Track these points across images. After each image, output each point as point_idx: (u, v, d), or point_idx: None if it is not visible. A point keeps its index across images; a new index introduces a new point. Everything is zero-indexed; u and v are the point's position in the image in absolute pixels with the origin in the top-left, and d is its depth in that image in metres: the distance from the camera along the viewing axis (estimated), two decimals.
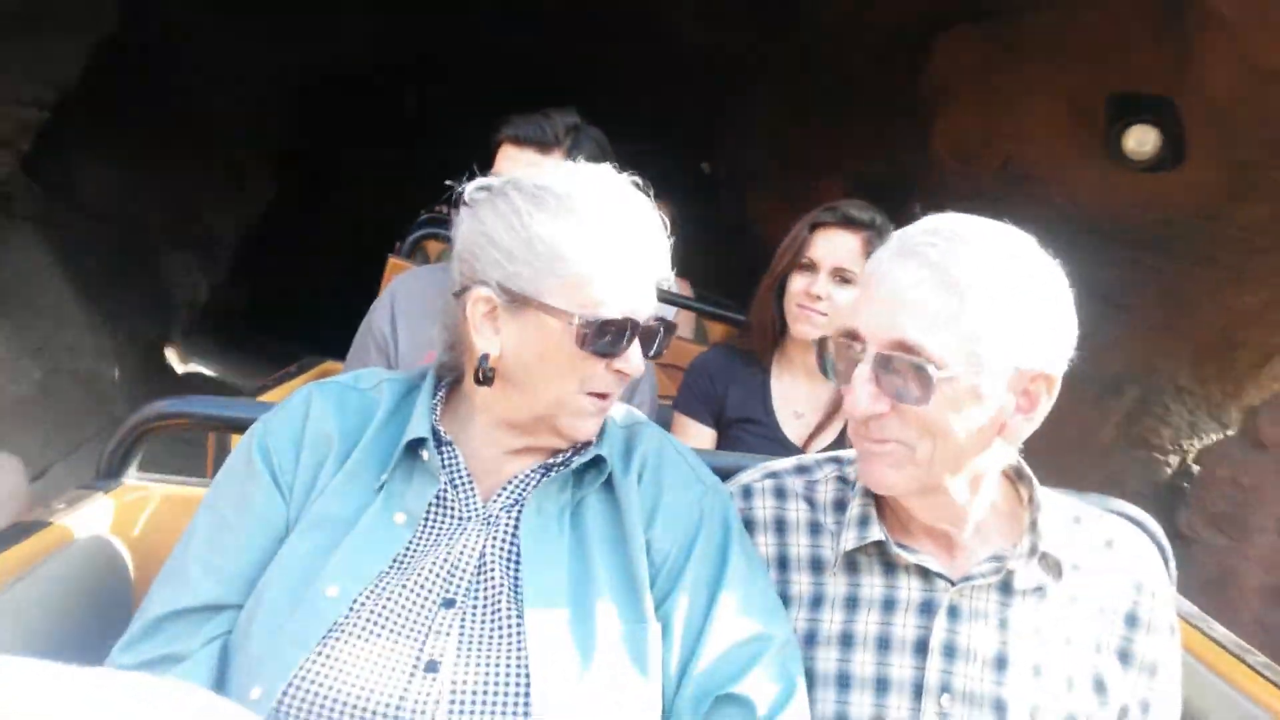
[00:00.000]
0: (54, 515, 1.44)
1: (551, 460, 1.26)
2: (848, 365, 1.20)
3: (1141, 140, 4.63)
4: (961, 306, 1.13)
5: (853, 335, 1.19)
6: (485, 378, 1.22)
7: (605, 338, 1.19)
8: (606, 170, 1.25)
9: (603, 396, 1.23)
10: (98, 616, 1.37)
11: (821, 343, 1.25)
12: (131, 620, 1.15)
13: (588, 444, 1.26)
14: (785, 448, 2.18)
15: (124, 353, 6.45)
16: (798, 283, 2.19)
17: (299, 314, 11.38)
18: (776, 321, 2.26)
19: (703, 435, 2.29)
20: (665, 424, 2.27)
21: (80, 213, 6.41)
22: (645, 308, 1.22)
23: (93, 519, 1.47)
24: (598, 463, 1.25)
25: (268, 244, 11.29)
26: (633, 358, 1.22)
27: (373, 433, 1.24)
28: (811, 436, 2.21)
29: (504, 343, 1.21)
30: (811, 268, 2.18)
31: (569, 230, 1.18)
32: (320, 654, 1.07)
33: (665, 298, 1.43)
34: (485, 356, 1.21)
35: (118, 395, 6.13)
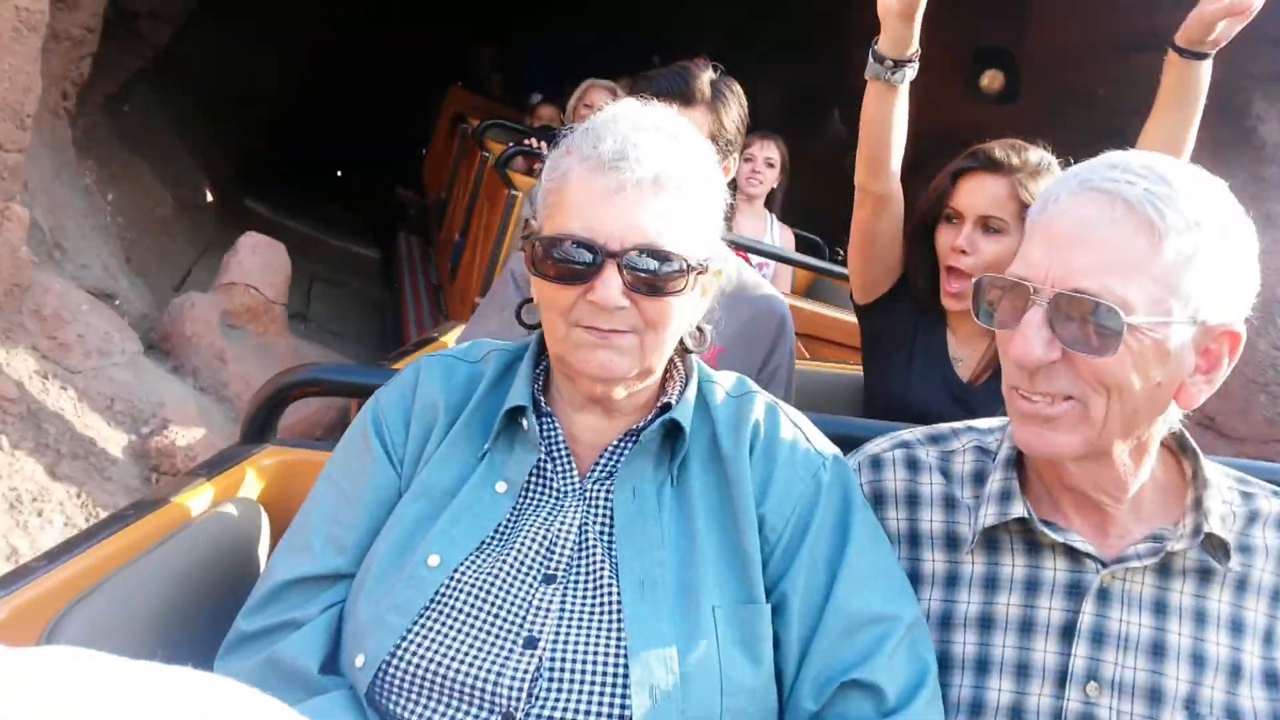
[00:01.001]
0: (199, 478, 1.50)
1: (634, 425, 1.23)
2: (1014, 309, 1.10)
3: (991, 80, 6.83)
4: (1156, 250, 1.04)
5: (1021, 277, 1.10)
6: (527, 323, 1.26)
7: (553, 259, 1.14)
8: (633, 102, 1.22)
9: (590, 328, 1.14)
10: (236, 576, 1.44)
11: (979, 285, 1.15)
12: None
13: (668, 406, 1.22)
14: (951, 386, 2.10)
15: (214, 186, 7.93)
16: (943, 237, 2.06)
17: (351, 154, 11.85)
18: (924, 274, 2.13)
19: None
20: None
21: (183, 77, 7.59)
22: (612, 231, 1.12)
23: (235, 482, 1.53)
24: (679, 431, 1.20)
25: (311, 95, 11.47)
26: (600, 286, 1.11)
27: (476, 402, 1.25)
28: (979, 375, 2.10)
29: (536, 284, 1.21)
30: (956, 219, 2.04)
31: (553, 155, 1.19)
32: (422, 625, 1.09)
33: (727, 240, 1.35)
34: (528, 300, 1.25)
35: (212, 220, 7.55)
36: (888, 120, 1.93)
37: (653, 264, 1.13)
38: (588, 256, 1.12)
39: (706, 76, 2.00)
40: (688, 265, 1.15)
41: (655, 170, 1.13)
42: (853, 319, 2.46)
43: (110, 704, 0.38)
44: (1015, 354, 1.08)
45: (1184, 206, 1.05)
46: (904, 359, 2.16)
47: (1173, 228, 1.04)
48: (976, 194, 2.01)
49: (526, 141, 4.94)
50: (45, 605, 1.15)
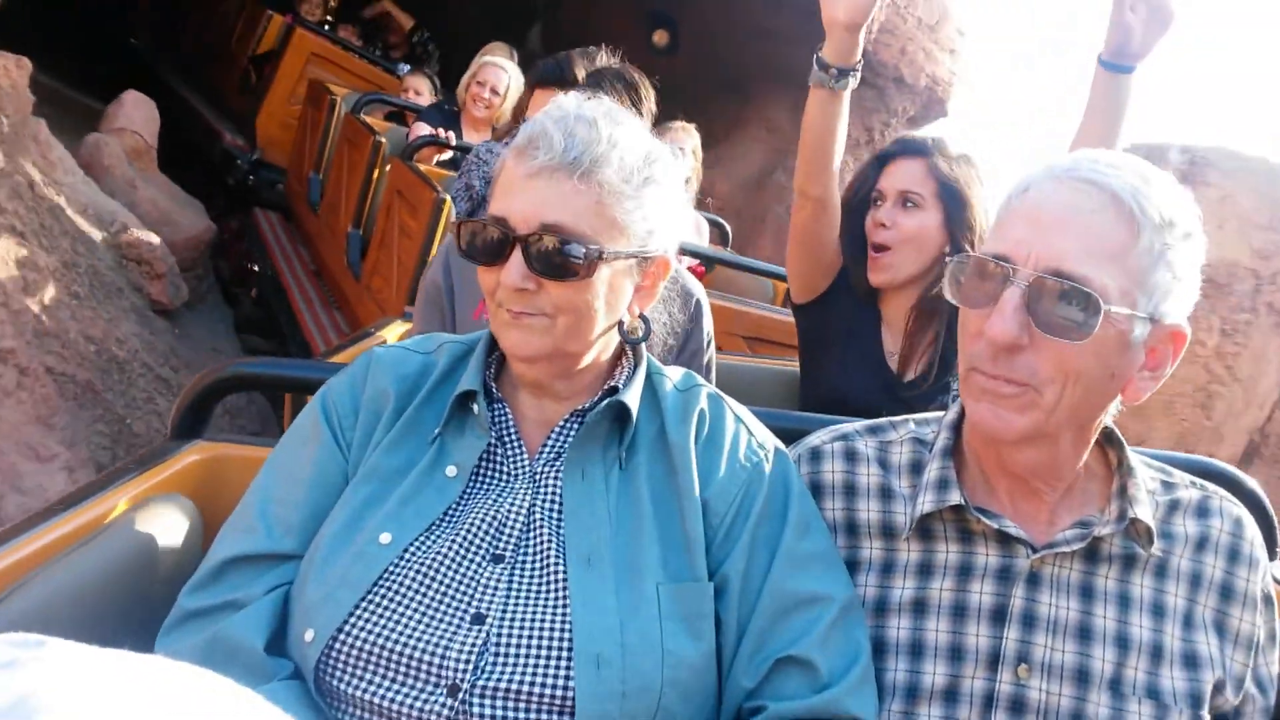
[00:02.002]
0: (129, 474, 1.46)
1: (581, 406, 1.26)
2: (987, 288, 1.12)
3: (661, 38, 8.51)
4: (1133, 243, 1.07)
5: (999, 256, 1.11)
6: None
7: (472, 240, 1.20)
8: (575, 95, 1.24)
9: (507, 310, 1.19)
10: (170, 573, 1.40)
11: (957, 261, 1.17)
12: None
13: (615, 390, 1.25)
14: (887, 381, 2.15)
15: None
16: (869, 218, 2.15)
17: None
18: (856, 258, 2.20)
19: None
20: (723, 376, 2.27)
21: None
22: (522, 213, 1.16)
23: (166, 479, 1.50)
24: (625, 414, 1.22)
25: None
26: (506, 266, 1.16)
27: (428, 390, 1.27)
28: (906, 360, 2.17)
29: None
30: (881, 199, 2.14)
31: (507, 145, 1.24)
32: (371, 601, 1.10)
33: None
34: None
35: None
36: (830, 126, 1.98)
37: (553, 247, 1.15)
38: (498, 238, 1.17)
39: (584, 66, 2.11)
40: (589, 251, 1.16)
41: (570, 156, 1.15)
42: (789, 318, 2.51)
43: (77, 688, 0.37)
44: (991, 333, 1.10)
45: (1161, 204, 1.08)
46: (839, 355, 2.21)
47: (1150, 223, 1.07)
48: (896, 175, 2.13)
49: (442, 132, 4.75)
50: None
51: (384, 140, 5.19)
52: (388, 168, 4.81)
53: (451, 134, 4.77)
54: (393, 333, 2.46)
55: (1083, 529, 1.19)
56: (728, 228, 5.39)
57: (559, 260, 1.15)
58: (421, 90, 6.40)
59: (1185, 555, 1.22)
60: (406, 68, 7.97)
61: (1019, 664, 1.16)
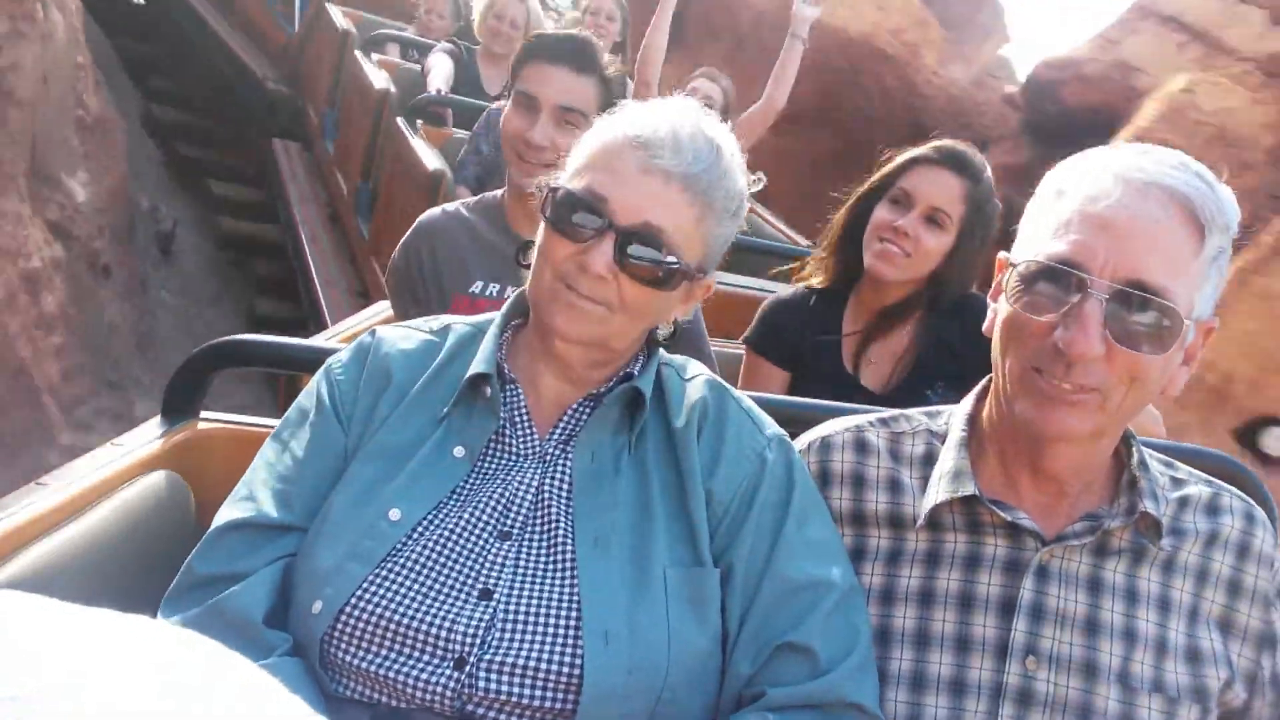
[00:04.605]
0: (121, 452, 1.43)
1: (595, 390, 1.26)
2: (1057, 295, 1.09)
3: None
4: (1198, 250, 1.06)
5: (1068, 262, 1.08)
6: (523, 263, 1.27)
7: (563, 210, 1.18)
8: (694, 102, 1.27)
9: (570, 288, 1.17)
10: (159, 549, 1.39)
11: (1025, 270, 1.12)
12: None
13: (630, 376, 1.25)
14: (863, 395, 2.10)
15: None
16: (883, 213, 2.06)
17: None
18: (849, 259, 2.16)
19: (774, 377, 2.21)
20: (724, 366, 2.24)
21: None
22: (626, 205, 1.16)
23: (158, 456, 1.47)
24: (638, 399, 1.22)
25: None
26: (593, 250, 1.15)
27: (436, 368, 1.26)
28: (886, 383, 2.13)
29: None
30: (904, 201, 2.05)
31: (602, 119, 1.24)
32: (379, 575, 1.10)
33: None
34: (529, 243, 1.26)
35: None
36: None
37: (647, 251, 1.16)
38: (594, 220, 1.16)
39: (608, 55, 2.05)
40: (680, 265, 1.18)
41: (688, 171, 1.16)
42: None
43: (72, 644, 0.35)
44: (1075, 350, 1.07)
45: (1222, 207, 1.08)
46: (805, 374, 2.18)
47: (1215, 229, 1.07)
48: (933, 185, 2.03)
49: (443, 89, 4.47)
50: None
51: (390, 90, 4.92)
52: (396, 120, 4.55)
53: (444, 90, 4.46)
54: (386, 317, 2.43)
55: (1092, 522, 1.18)
56: (763, 177, 5.27)
57: (648, 264, 1.17)
58: (443, 13, 5.75)
59: (1194, 551, 1.20)
60: None
61: (1027, 656, 1.15)
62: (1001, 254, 1.23)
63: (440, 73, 4.58)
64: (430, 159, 3.95)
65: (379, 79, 5.09)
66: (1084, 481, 1.21)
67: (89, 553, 1.26)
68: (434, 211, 2.19)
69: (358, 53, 5.62)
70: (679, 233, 1.17)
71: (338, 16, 6.29)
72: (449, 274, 2.07)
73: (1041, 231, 1.14)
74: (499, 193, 2.17)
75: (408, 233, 2.15)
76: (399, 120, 4.48)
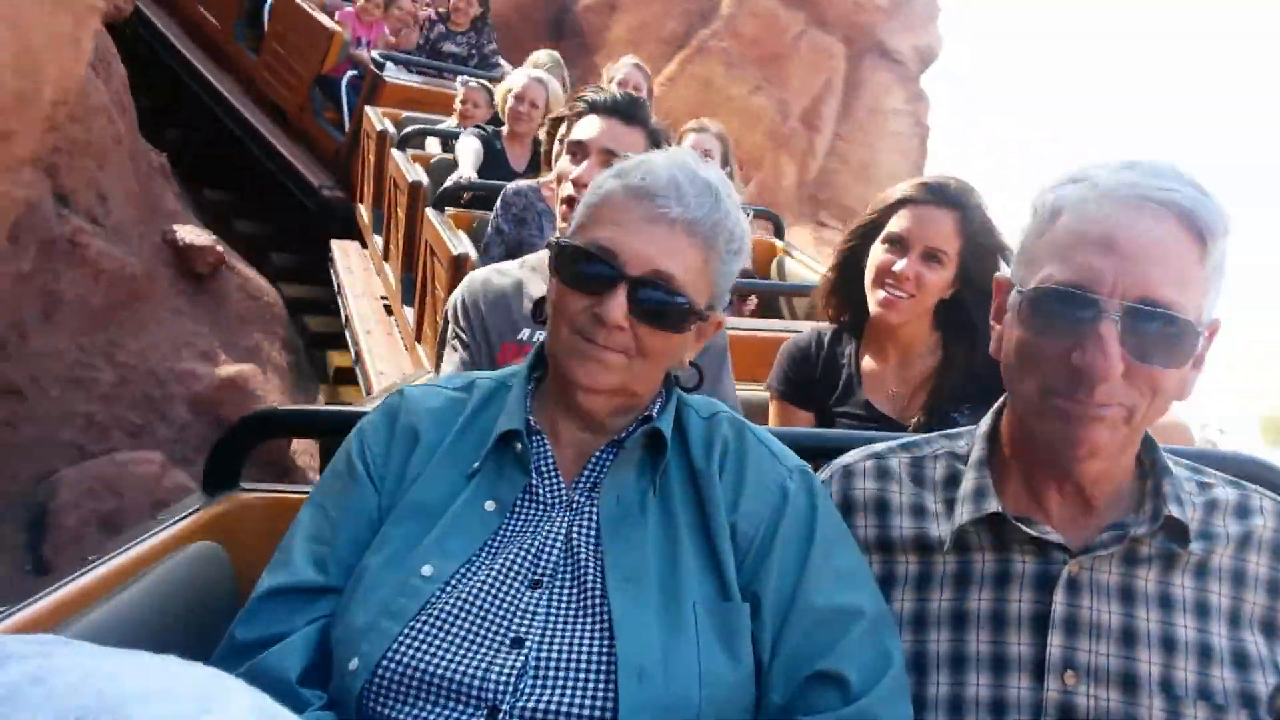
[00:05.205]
0: (162, 524, 1.47)
1: (618, 436, 1.28)
2: (1071, 318, 1.10)
3: None
4: (1203, 260, 1.08)
5: (1076, 285, 1.09)
6: (539, 318, 1.32)
7: (573, 264, 1.22)
8: (692, 152, 1.32)
9: (588, 340, 1.21)
10: (200, 617, 1.41)
11: (1036, 296, 1.12)
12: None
13: (649, 418, 1.27)
14: (890, 426, 2.11)
15: None
16: (881, 256, 2.08)
17: None
18: (849, 298, 2.19)
19: (801, 419, 2.24)
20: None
21: None
22: (635, 254, 1.19)
23: (199, 526, 1.51)
24: (660, 441, 1.24)
25: None
26: (607, 301, 1.19)
27: (463, 424, 1.29)
28: (908, 411, 2.14)
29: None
30: (900, 243, 2.06)
31: (599, 177, 1.28)
32: (413, 629, 1.11)
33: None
34: (543, 299, 1.32)
35: None
36: None
37: (661, 296, 1.20)
38: (605, 271, 1.20)
39: (650, 111, 2.16)
40: (692, 308, 1.23)
41: (691, 216, 1.21)
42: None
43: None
44: (1097, 371, 1.08)
45: (1219, 213, 1.09)
46: (826, 413, 2.19)
47: (1215, 236, 1.08)
48: (927, 225, 2.05)
49: (463, 176, 4.65)
50: None
51: (424, 183, 5.12)
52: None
53: (470, 175, 4.64)
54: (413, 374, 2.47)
55: (1118, 531, 1.17)
56: (781, 221, 5.35)
57: (662, 309, 1.21)
58: (479, 102, 5.95)
59: (1227, 554, 1.19)
60: (505, 66, 7.32)
61: (1065, 670, 1.13)
62: (999, 275, 1.25)
63: (467, 159, 4.79)
64: (455, 243, 4.08)
65: (413, 172, 5.34)
66: (1110, 492, 1.20)
67: (133, 621, 1.29)
68: (482, 269, 2.28)
69: (395, 151, 5.86)
70: (688, 275, 1.21)
71: (377, 118, 6.61)
72: (494, 324, 2.15)
73: (1042, 254, 1.15)
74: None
75: (457, 287, 2.23)
76: (429, 210, 4.64)
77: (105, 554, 1.37)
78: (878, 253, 2.10)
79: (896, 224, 2.08)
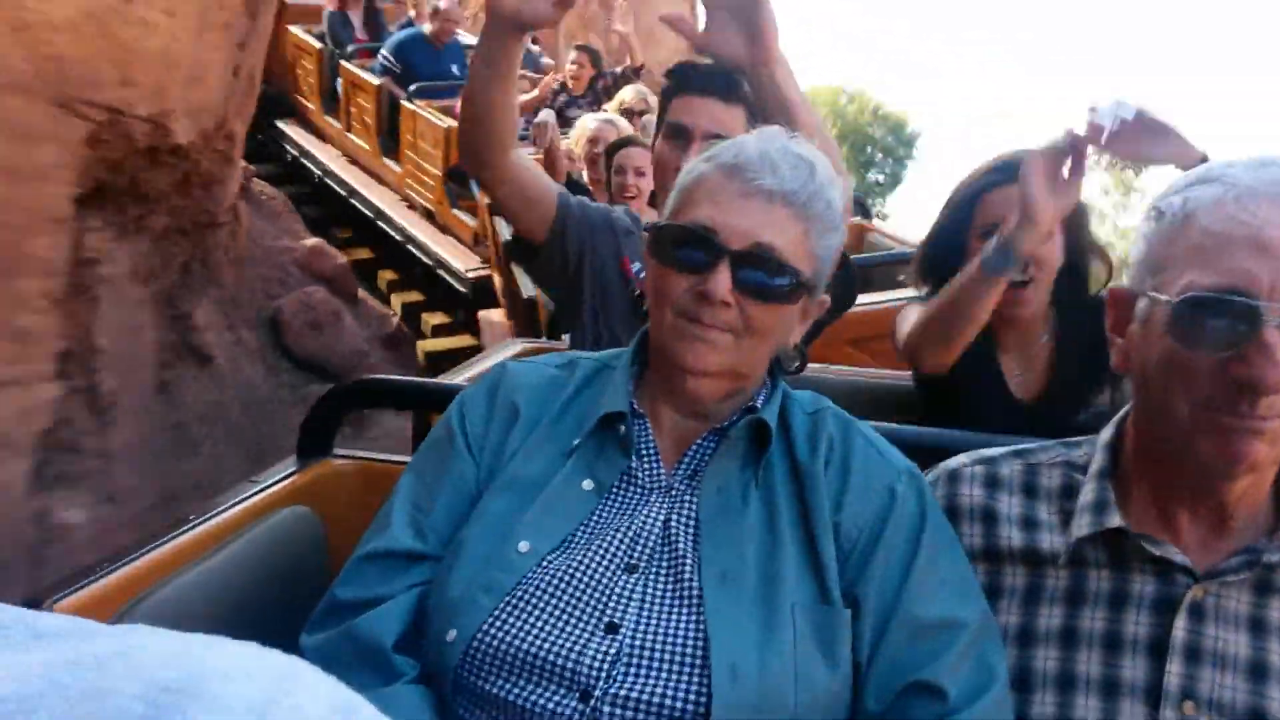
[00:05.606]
0: (257, 488, 1.50)
1: (721, 424, 1.25)
2: (1230, 328, 1.01)
3: None
4: None
5: (1233, 290, 1.01)
6: (638, 301, 1.28)
7: (672, 246, 1.20)
8: (779, 129, 1.28)
9: (694, 321, 1.18)
10: (295, 582, 1.44)
11: (1193, 304, 1.04)
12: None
13: (754, 409, 1.24)
14: (1018, 408, 2.02)
15: None
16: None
17: None
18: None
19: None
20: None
21: None
22: (735, 229, 1.17)
23: (295, 492, 1.53)
24: (764, 431, 1.21)
25: None
26: (710, 279, 1.16)
27: (564, 402, 1.28)
28: (1040, 389, 2.03)
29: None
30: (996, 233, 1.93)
31: (691, 163, 1.27)
32: (509, 605, 1.11)
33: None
34: (639, 280, 1.28)
35: None
36: (984, 311, 1.84)
37: (765, 270, 1.17)
38: (705, 248, 1.17)
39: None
40: (799, 280, 1.19)
41: (787, 188, 1.18)
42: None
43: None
44: (1268, 381, 1.00)
45: None
46: (964, 403, 2.07)
47: None
48: (1013, 204, 1.88)
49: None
50: (105, 607, 1.16)
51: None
52: None
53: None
54: (509, 352, 2.48)
55: (1250, 556, 1.09)
56: (866, 204, 5.32)
57: (768, 282, 1.18)
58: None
59: None
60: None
61: (1184, 700, 1.06)
62: (1115, 285, 1.17)
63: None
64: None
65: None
66: (1248, 514, 1.11)
67: (228, 582, 1.32)
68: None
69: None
70: (789, 247, 1.18)
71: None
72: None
73: (1177, 261, 1.06)
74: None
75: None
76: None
77: (202, 515, 1.39)
78: (979, 251, 1.93)
79: (987, 213, 1.97)
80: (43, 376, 3.43)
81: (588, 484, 1.21)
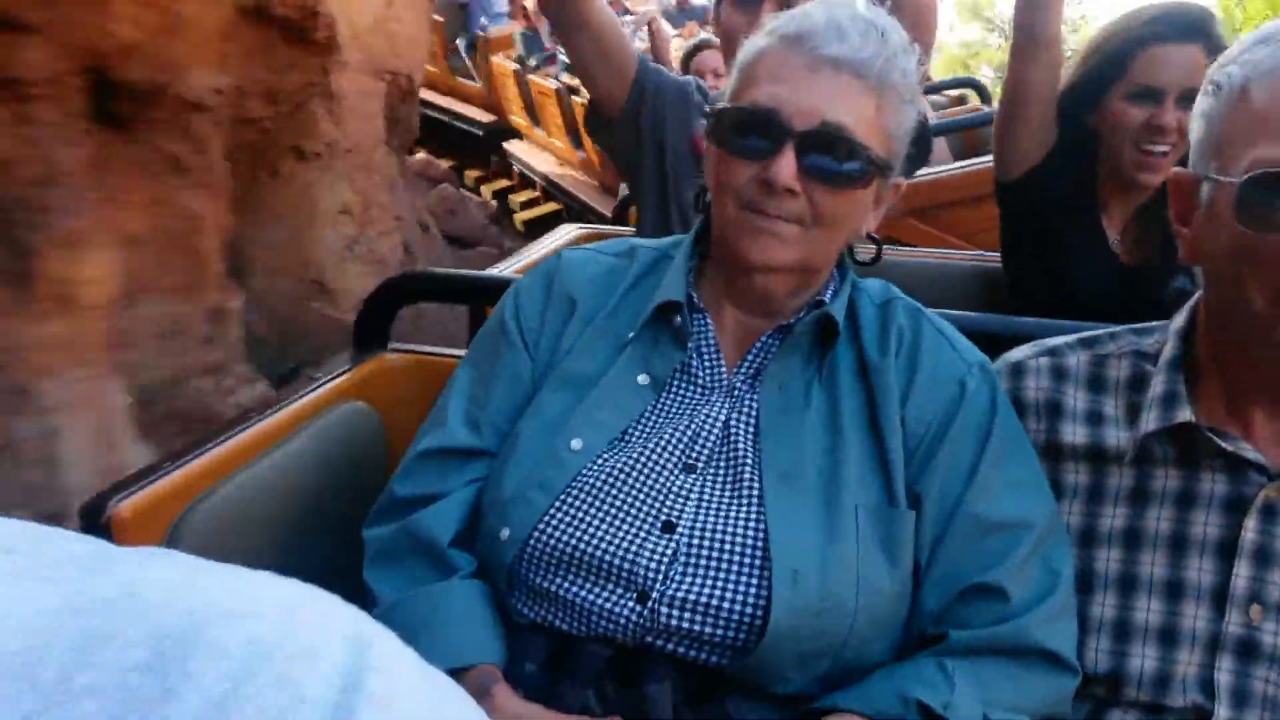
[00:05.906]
0: (316, 385, 1.51)
1: (787, 321, 1.20)
2: None
3: None
4: None
5: None
6: (700, 206, 1.24)
7: (732, 130, 1.11)
8: None
9: (758, 212, 1.10)
10: (355, 475, 1.46)
11: (1262, 180, 0.95)
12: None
13: (821, 303, 1.18)
14: (1117, 273, 1.93)
15: None
16: (1133, 114, 1.83)
17: None
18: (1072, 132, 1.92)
19: None
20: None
21: None
22: (799, 108, 1.07)
23: (350, 388, 1.54)
24: (831, 327, 1.15)
25: None
26: (774, 164, 1.07)
27: (621, 294, 1.24)
28: (1134, 253, 1.94)
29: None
30: (1150, 96, 1.81)
31: (753, 38, 1.17)
32: (564, 503, 1.10)
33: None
34: (703, 186, 1.21)
35: None
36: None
37: (834, 153, 1.08)
38: (767, 132, 1.09)
39: None
40: (871, 162, 1.10)
41: (864, 55, 1.08)
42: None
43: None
44: None
45: None
46: (1059, 239, 1.97)
47: None
48: (1174, 65, 1.78)
49: None
50: (167, 506, 1.18)
51: None
52: None
53: None
54: (569, 240, 2.45)
55: None
56: (987, 89, 4.98)
57: (837, 166, 1.09)
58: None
59: None
60: None
61: (1250, 604, 1.03)
62: (1179, 170, 1.07)
63: None
64: None
65: None
66: None
67: (288, 477, 1.34)
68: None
69: None
70: (861, 125, 1.08)
71: None
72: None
73: (1238, 136, 0.98)
74: None
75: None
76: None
77: (261, 411, 1.41)
78: (1126, 108, 1.84)
79: (1140, 72, 1.82)
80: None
81: (643, 378, 1.18)
